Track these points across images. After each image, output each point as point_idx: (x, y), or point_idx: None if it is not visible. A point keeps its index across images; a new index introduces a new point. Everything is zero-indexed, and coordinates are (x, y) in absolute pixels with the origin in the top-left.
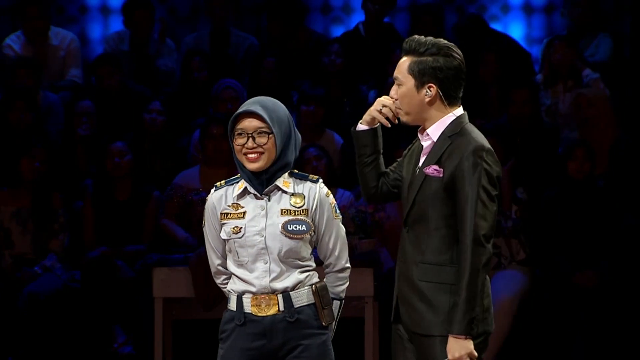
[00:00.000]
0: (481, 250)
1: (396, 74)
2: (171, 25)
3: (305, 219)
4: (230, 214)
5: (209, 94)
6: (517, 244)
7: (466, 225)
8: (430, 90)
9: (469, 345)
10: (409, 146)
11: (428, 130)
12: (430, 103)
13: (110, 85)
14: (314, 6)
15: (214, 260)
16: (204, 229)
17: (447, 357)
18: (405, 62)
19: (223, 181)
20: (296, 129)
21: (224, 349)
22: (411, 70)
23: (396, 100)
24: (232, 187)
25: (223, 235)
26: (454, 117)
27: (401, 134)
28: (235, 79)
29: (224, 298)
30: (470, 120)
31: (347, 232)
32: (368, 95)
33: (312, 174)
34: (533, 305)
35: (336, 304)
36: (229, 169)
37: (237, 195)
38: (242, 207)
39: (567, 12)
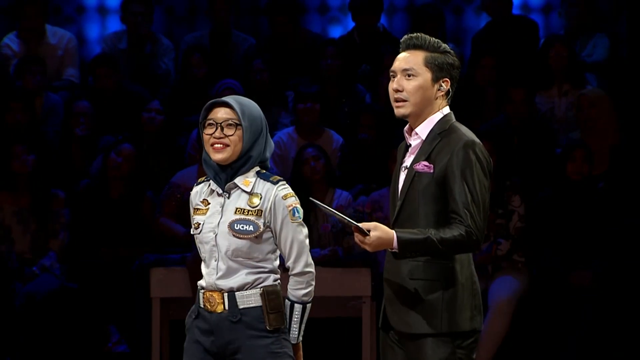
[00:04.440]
0: (472, 244)
1: (408, 65)
2: (168, 25)
3: (255, 219)
4: (199, 209)
5: (207, 92)
6: (514, 245)
7: (460, 214)
8: (444, 85)
9: (380, 247)
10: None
11: (417, 130)
12: (437, 98)
13: (108, 86)
14: (311, 6)
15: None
16: None
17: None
18: (418, 55)
19: (205, 177)
20: (269, 135)
21: (186, 340)
22: (428, 63)
23: (401, 91)
24: (209, 182)
25: (191, 230)
26: (441, 116)
27: (396, 131)
28: (234, 79)
29: None
30: (467, 122)
31: (345, 232)
32: (365, 96)
33: (310, 174)
34: (530, 305)
35: (297, 307)
36: None
37: (208, 192)
38: (209, 204)
39: (564, 12)
